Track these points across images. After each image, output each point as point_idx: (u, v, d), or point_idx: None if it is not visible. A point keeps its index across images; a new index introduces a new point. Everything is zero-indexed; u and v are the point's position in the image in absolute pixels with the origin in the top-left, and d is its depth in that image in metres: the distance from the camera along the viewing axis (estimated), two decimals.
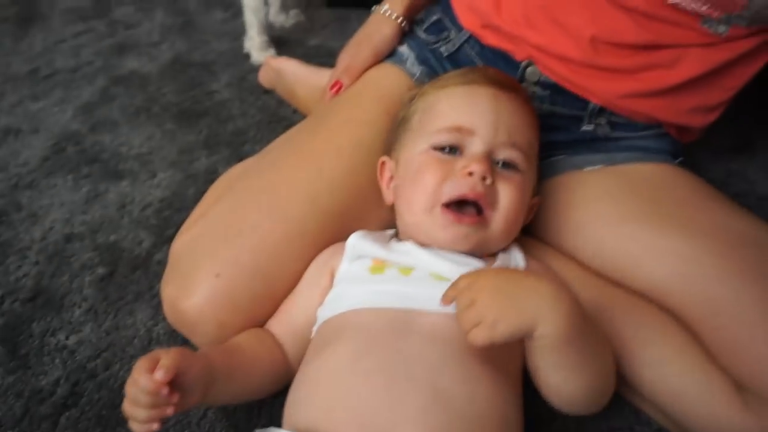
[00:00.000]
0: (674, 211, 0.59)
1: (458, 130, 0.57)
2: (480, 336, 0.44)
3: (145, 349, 0.68)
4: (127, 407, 0.46)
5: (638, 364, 0.55)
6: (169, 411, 0.45)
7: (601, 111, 0.68)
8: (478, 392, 0.47)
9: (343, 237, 0.63)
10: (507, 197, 0.56)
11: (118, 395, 0.63)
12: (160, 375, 0.44)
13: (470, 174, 0.54)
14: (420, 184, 0.57)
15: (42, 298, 0.75)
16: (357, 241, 0.58)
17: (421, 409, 0.45)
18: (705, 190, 0.64)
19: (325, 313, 0.56)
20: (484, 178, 0.54)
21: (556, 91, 0.68)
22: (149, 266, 0.78)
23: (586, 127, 0.69)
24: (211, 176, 0.89)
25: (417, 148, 0.59)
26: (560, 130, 0.69)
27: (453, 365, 0.48)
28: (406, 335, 0.50)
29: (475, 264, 0.55)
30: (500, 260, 0.57)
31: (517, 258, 0.59)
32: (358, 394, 0.47)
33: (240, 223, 0.61)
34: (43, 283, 0.77)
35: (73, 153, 0.98)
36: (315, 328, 0.57)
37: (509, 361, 0.52)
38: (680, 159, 0.70)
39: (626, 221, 0.60)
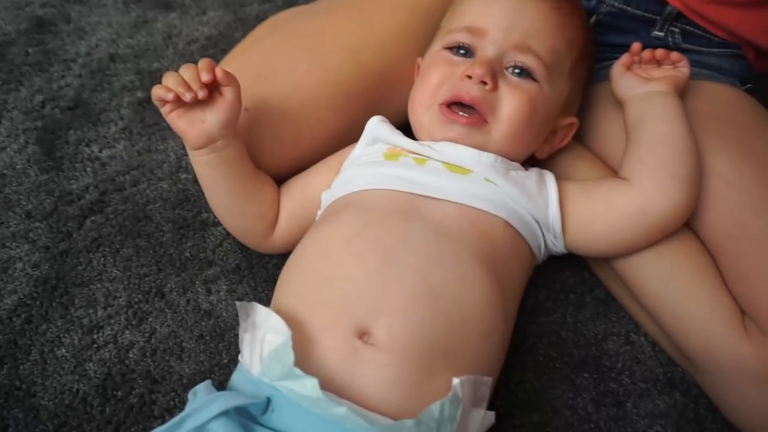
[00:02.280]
0: (730, 133, 0.56)
1: (470, 30, 0.55)
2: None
3: (174, 175, 0.69)
4: (165, 78, 0.52)
5: (647, 276, 0.54)
6: (201, 93, 0.50)
7: (678, 17, 0.63)
8: (468, 296, 0.46)
9: (380, 96, 0.62)
10: (510, 105, 0.52)
11: (142, 210, 0.66)
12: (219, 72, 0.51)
13: (469, 77, 0.52)
14: (423, 82, 0.56)
15: (81, 109, 0.76)
16: (376, 125, 0.57)
17: (409, 299, 0.44)
18: None
19: (331, 195, 0.55)
20: (483, 83, 0.52)
21: None
22: None
23: (657, 33, 0.64)
24: (260, 23, 0.87)
25: (433, 48, 0.58)
26: (628, 32, 0.65)
27: (451, 261, 0.47)
28: (412, 219, 0.49)
29: (491, 159, 0.53)
30: (532, 176, 0.55)
31: (550, 189, 0.54)
32: (348, 274, 0.46)
33: (277, 63, 0.60)
34: (84, 95, 0.78)
35: None
36: (319, 213, 0.56)
37: (510, 277, 0.51)
38: (749, 86, 0.66)
39: None
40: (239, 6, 0.93)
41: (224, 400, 0.41)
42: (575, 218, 0.53)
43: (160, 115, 0.75)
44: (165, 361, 0.55)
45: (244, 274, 0.61)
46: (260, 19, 0.89)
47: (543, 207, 0.53)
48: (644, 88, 0.57)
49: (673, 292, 0.53)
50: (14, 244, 0.63)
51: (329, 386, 0.41)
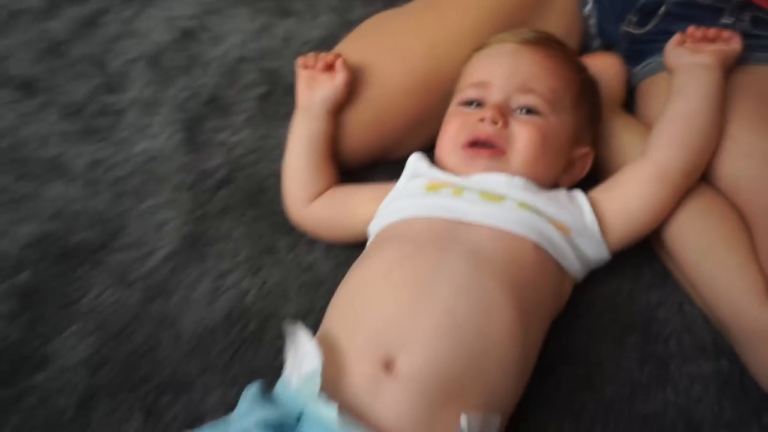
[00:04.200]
0: None
1: (478, 85, 0.63)
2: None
3: None
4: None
5: (688, 249, 0.60)
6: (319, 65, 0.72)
7: (747, 5, 0.66)
8: (490, 328, 0.50)
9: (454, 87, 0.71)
10: (522, 136, 0.60)
11: (261, 185, 0.80)
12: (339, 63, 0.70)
13: (481, 120, 0.60)
14: (444, 133, 0.64)
15: (215, 103, 0.93)
16: (417, 161, 0.65)
17: (433, 333, 0.48)
18: None
19: (377, 225, 0.62)
20: (494, 123, 0.60)
21: None
22: None
23: (726, 21, 0.68)
24: None
25: (450, 109, 0.66)
26: (696, 20, 0.68)
27: (478, 291, 0.51)
28: (448, 246, 0.54)
29: (522, 182, 0.60)
30: (561, 193, 0.61)
31: (580, 201, 0.61)
32: (383, 305, 0.51)
33: (365, 58, 0.72)
34: (218, 92, 0.94)
35: None
36: (368, 243, 0.63)
37: (536, 301, 0.55)
38: None
39: (729, 119, 0.61)
40: (346, 10, 1.05)
41: (262, 413, 0.47)
42: (611, 211, 0.60)
43: (277, 107, 0.91)
44: (274, 303, 0.68)
45: None
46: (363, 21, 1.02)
47: (578, 214, 0.59)
48: (692, 58, 0.64)
49: (708, 263, 0.58)
50: (165, 210, 0.79)
51: (353, 408, 0.46)
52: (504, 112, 0.61)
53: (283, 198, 0.73)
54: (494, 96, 0.62)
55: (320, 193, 0.70)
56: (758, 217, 0.56)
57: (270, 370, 0.63)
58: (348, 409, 0.46)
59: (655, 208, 0.60)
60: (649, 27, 0.74)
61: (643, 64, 0.75)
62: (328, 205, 0.69)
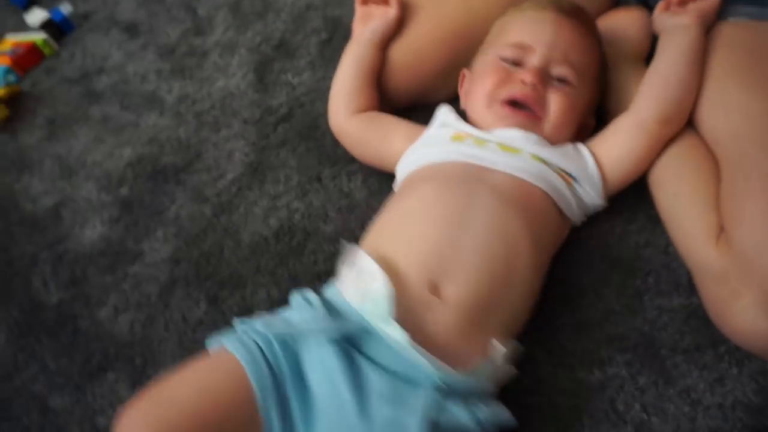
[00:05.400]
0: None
1: (521, 46, 0.69)
2: None
3: None
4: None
5: (662, 192, 0.67)
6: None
7: None
8: (515, 261, 0.59)
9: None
10: (556, 103, 0.67)
11: (315, 122, 0.92)
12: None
13: (523, 82, 0.66)
14: (482, 84, 0.70)
15: (283, 48, 1.05)
16: (445, 113, 0.73)
17: (473, 265, 0.56)
18: None
19: (409, 167, 0.70)
20: (534, 86, 0.66)
21: None
22: None
23: None
24: None
25: (487, 56, 0.72)
26: None
27: (504, 228, 0.59)
28: (476, 186, 0.61)
29: (537, 139, 0.67)
30: (569, 147, 0.68)
31: (584, 152, 0.68)
32: (426, 237, 0.58)
33: (409, 20, 0.82)
34: (286, 36, 1.06)
35: None
36: (399, 182, 0.71)
37: (545, 239, 0.64)
38: None
39: (725, 75, 0.64)
40: None
41: (331, 325, 0.53)
42: (604, 157, 0.67)
43: (336, 52, 1.01)
44: (316, 222, 0.82)
45: (376, 170, 0.84)
46: None
47: (582, 164, 0.67)
48: (672, 21, 0.70)
49: (676, 206, 0.65)
50: (235, 140, 0.94)
51: (405, 325, 0.52)
52: (543, 78, 0.68)
53: (328, 108, 0.84)
54: (535, 60, 0.68)
55: (361, 110, 0.80)
56: (726, 168, 0.61)
57: (306, 275, 0.77)
58: (401, 325, 0.52)
59: (635, 156, 0.67)
60: None
61: None
62: (368, 126, 0.79)
